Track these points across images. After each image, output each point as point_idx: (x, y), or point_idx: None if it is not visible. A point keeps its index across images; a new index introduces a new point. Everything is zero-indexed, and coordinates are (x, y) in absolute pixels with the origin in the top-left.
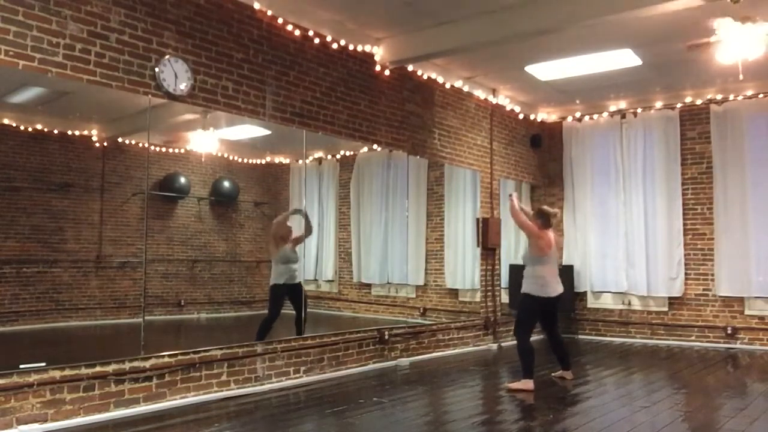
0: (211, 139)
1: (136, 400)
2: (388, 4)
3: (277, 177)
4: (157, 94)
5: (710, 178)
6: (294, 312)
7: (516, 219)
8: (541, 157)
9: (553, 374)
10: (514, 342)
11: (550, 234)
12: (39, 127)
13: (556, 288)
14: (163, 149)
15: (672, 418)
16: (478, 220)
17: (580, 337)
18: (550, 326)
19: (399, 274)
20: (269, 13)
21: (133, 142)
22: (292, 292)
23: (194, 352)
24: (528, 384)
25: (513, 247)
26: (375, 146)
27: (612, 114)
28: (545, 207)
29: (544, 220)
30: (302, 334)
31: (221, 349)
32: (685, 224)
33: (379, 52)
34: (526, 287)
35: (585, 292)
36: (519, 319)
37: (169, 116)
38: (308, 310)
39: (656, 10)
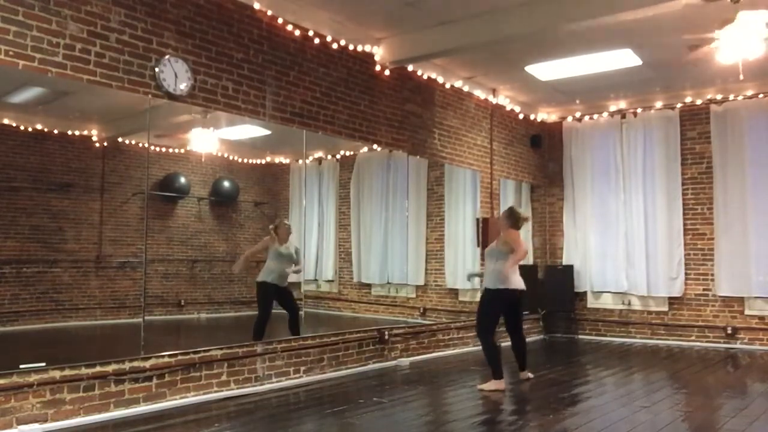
0: (211, 139)
1: (136, 400)
2: (388, 4)
3: (277, 177)
4: (157, 94)
5: (710, 178)
6: (287, 313)
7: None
8: (541, 157)
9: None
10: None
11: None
12: (39, 127)
13: (518, 282)
14: (163, 149)
15: (672, 418)
16: (478, 220)
17: (580, 337)
18: (514, 325)
19: (399, 274)
20: (269, 13)
21: (133, 142)
22: (281, 295)
23: (194, 352)
24: (499, 384)
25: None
26: (375, 146)
27: (612, 114)
28: (518, 210)
29: (513, 221)
30: (297, 335)
31: (221, 349)
32: (685, 224)
33: (379, 52)
34: (486, 282)
35: (585, 292)
36: (479, 318)
37: (169, 116)
38: (308, 310)
39: (656, 10)
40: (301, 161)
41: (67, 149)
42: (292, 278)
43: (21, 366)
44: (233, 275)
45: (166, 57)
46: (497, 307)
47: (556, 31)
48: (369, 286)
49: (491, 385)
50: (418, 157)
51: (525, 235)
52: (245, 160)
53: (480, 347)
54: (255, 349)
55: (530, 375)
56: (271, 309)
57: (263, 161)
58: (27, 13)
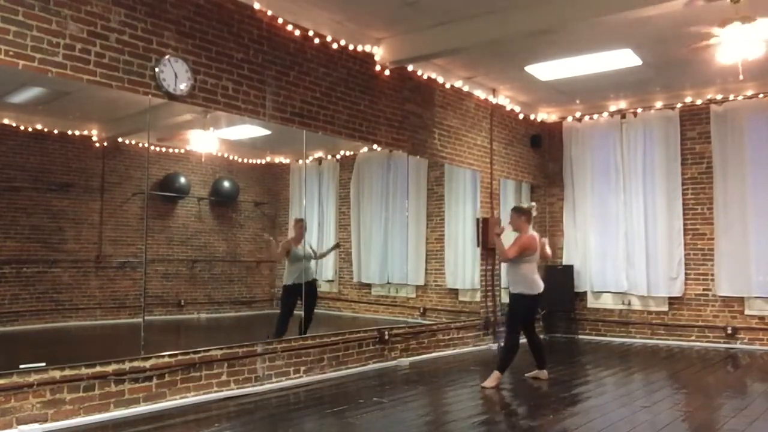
0: (211, 139)
1: (136, 400)
2: (388, 4)
3: (277, 177)
4: (157, 94)
5: (710, 178)
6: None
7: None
8: (541, 157)
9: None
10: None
11: (534, 233)
12: (39, 127)
13: (540, 285)
14: (163, 149)
15: (672, 418)
16: (478, 220)
17: (580, 337)
18: (530, 325)
19: (399, 274)
20: (269, 13)
21: (133, 142)
22: (307, 290)
23: (194, 352)
24: (499, 378)
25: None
26: (375, 146)
27: (612, 114)
28: (522, 205)
29: (528, 215)
30: (304, 333)
31: (221, 349)
32: (685, 224)
33: (379, 52)
34: (517, 288)
35: (585, 292)
36: (513, 319)
37: (169, 116)
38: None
39: (656, 10)
40: (301, 161)
41: (67, 149)
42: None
43: (21, 366)
44: (233, 275)
45: (166, 57)
46: (528, 311)
47: (556, 31)
48: (369, 286)
49: (493, 378)
50: (418, 157)
51: None
52: (245, 160)
53: (480, 347)
54: (255, 349)
55: (544, 376)
56: (294, 308)
57: (263, 161)
58: (27, 13)
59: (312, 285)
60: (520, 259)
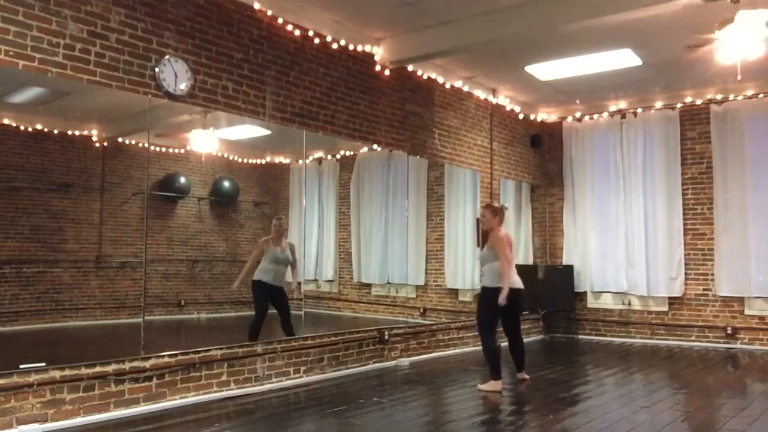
0: (211, 139)
1: (136, 400)
2: (388, 4)
3: (277, 177)
4: (157, 94)
5: (710, 178)
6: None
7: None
8: (541, 157)
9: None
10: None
11: (506, 232)
12: (39, 127)
13: (516, 282)
14: (163, 149)
15: (672, 418)
16: (478, 220)
17: (580, 337)
18: (513, 326)
19: (399, 274)
20: (269, 13)
21: (133, 142)
22: (275, 295)
23: (194, 352)
24: (497, 385)
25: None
26: (375, 146)
27: (612, 114)
28: (496, 204)
29: (502, 216)
30: (291, 335)
31: (221, 349)
32: (685, 224)
33: (379, 52)
34: (484, 281)
35: (585, 292)
36: (479, 316)
37: (169, 116)
38: (308, 310)
39: (656, 10)
40: (301, 161)
41: (67, 149)
42: (290, 277)
43: (21, 366)
44: (233, 275)
45: (166, 57)
46: (496, 306)
47: (556, 31)
48: (369, 286)
49: (489, 385)
50: (418, 157)
51: (524, 236)
52: (245, 160)
53: (480, 347)
54: (255, 349)
55: (526, 376)
56: (267, 309)
57: (263, 161)
58: (27, 13)
59: (282, 290)
60: (495, 256)
